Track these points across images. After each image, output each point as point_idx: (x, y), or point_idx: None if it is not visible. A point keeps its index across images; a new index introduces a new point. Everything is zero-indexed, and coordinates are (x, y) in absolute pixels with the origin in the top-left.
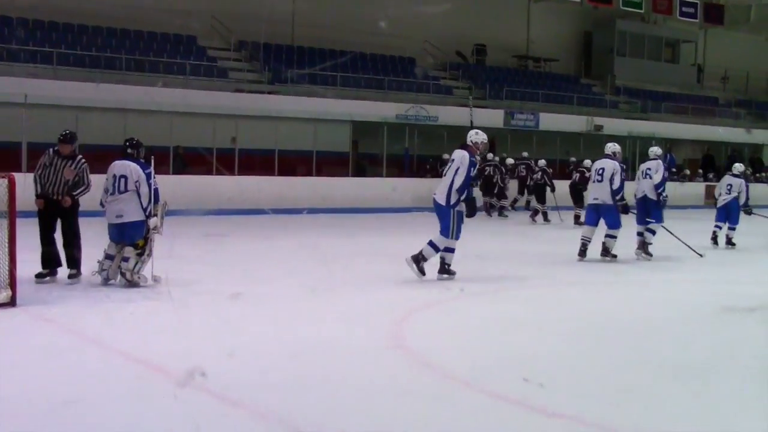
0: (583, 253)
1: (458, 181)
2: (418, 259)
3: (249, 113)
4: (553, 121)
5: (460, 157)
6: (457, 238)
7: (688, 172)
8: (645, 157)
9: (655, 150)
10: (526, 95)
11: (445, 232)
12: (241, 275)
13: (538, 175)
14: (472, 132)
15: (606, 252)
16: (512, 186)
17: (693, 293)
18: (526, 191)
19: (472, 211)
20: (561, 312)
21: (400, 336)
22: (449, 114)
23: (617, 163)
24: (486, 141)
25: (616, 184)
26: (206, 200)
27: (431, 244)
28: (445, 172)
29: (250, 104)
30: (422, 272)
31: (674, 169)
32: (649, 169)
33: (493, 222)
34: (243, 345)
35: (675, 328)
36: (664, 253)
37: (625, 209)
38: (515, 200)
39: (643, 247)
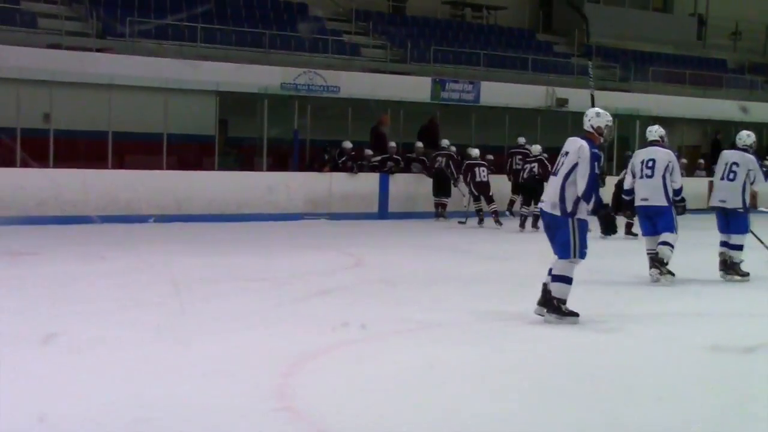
0: (659, 265)
1: (580, 185)
2: (555, 305)
3: (69, 79)
4: (499, 93)
5: (577, 148)
6: (581, 256)
7: (684, 161)
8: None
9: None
10: (463, 57)
11: (563, 250)
12: (59, 310)
13: (535, 168)
14: (590, 112)
15: (659, 265)
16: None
17: (684, 333)
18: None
19: (608, 228)
20: (516, 358)
21: (287, 394)
22: (356, 83)
23: (671, 152)
24: (611, 123)
25: (678, 181)
26: (7, 204)
27: (557, 277)
28: (555, 169)
29: (70, 66)
30: (571, 313)
31: None
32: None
33: (458, 229)
34: (60, 411)
35: (661, 380)
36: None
37: (684, 210)
38: (511, 202)
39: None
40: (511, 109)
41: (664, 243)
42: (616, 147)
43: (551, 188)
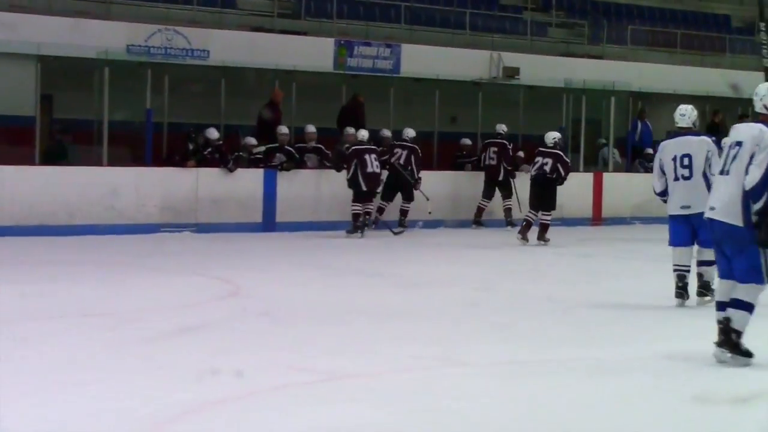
0: (683, 291)
1: (753, 176)
2: (732, 340)
3: None
4: (426, 59)
5: (753, 136)
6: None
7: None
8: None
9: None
10: (377, 11)
11: (752, 273)
12: None
13: (547, 164)
14: (762, 89)
15: (705, 288)
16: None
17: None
18: (501, 188)
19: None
20: (453, 421)
21: None
22: (231, 46)
23: (707, 138)
24: None
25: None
26: None
27: (738, 303)
28: (724, 167)
29: None
30: (749, 354)
31: (649, 150)
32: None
33: (372, 246)
34: None
35: None
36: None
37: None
38: (480, 210)
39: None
40: (443, 82)
41: (709, 262)
42: (583, 133)
43: (723, 191)
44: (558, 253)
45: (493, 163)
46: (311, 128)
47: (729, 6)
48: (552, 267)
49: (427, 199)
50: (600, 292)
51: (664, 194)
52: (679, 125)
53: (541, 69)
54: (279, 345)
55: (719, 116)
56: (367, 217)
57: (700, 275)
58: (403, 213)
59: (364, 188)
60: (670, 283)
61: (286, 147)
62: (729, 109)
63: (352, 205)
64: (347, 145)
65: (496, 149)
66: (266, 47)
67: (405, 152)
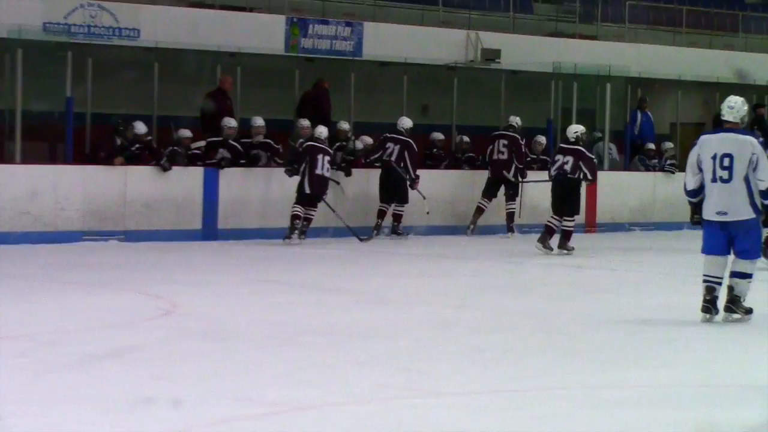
0: (711, 306)
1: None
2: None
3: None
4: (392, 40)
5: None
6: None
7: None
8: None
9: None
10: None
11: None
12: None
13: (567, 162)
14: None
15: (734, 306)
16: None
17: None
18: (507, 188)
19: None
20: None
21: None
22: (165, 24)
23: (752, 138)
24: None
25: (766, 179)
26: None
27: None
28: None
29: None
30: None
31: (651, 145)
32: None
33: (329, 258)
34: None
35: None
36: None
37: None
38: (479, 209)
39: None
40: (412, 66)
41: (742, 275)
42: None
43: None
44: (546, 264)
45: (503, 157)
46: (259, 121)
47: None
48: (539, 281)
49: (424, 198)
50: (593, 309)
51: (694, 194)
52: (725, 119)
53: (526, 51)
54: (221, 372)
55: (763, 110)
56: (305, 223)
57: (730, 288)
58: (396, 217)
59: (308, 191)
60: (676, 298)
61: (230, 142)
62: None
63: (293, 206)
64: (301, 140)
65: (506, 142)
66: (206, 25)
67: (398, 147)
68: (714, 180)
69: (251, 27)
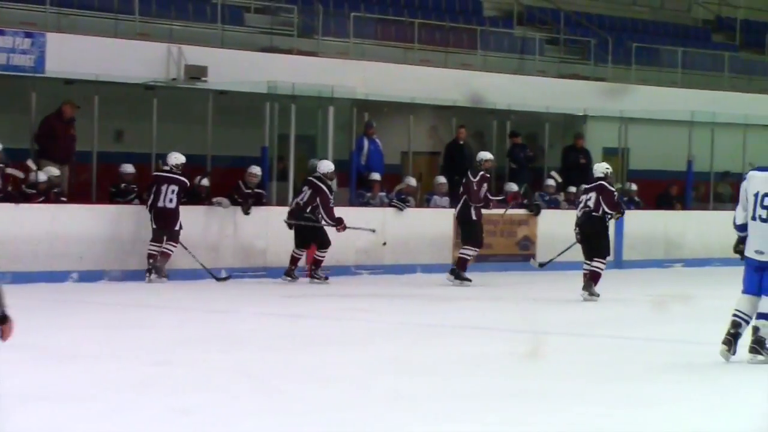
0: (732, 340)
1: None
2: (760, 345)
3: None
4: (80, 54)
5: None
6: None
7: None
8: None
9: None
10: None
11: None
12: None
13: (590, 198)
14: None
15: (758, 347)
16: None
17: None
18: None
19: None
20: None
21: None
22: None
23: None
24: None
25: None
26: None
27: (765, 315)
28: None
29: None
30: None
31: (376, 176)
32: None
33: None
34: None
35: None
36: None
37: None
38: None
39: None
40: (104, 84)
41: (766, 315)
42: (293, 154)
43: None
44: (259, 314)
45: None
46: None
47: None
48: (251, 332)
49: (372, 231)
50: (314, 364)
51: (741, 229)
52: None
53: (237, 69)
54: None
55: (518, 139)
56: (162, 259)
57: (756, 329)
58: (315, 262)
59: (153, 225)
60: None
61: None
62: (475, 122)
63: (149, 244)
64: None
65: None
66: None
67: (310, 191)
68: (754, 218)
69: None
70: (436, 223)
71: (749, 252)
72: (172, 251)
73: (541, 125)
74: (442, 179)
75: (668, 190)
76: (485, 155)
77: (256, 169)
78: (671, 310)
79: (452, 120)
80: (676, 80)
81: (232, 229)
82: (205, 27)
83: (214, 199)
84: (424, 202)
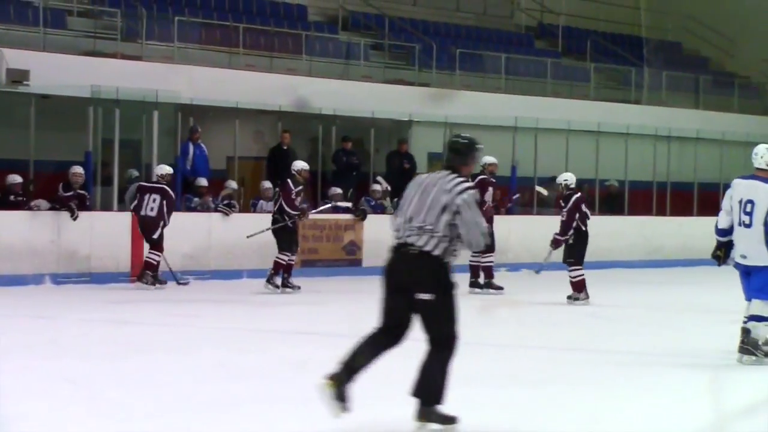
0: (751, 348)
1: None
2: (752, 346)
3: None
4: None
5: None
6: None
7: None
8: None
9: None
10: None
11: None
12: None
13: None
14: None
15: (751, 348)
16: None
17: None
18: None
19: None
20: None
21: None
22: None
23: None
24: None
25: None
26: None
27: (756, 317)
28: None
29: None
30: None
31: (203, 181)
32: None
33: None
34: None
35: None
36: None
37: None
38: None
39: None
40: None
41: (756, 317)
42: (117, 159)
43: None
44: (84, 320)
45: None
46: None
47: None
48: (77, 338)
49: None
50: (142, 371)
51: (722, 233)
52: (757, 166)
53: (60, 72)
54: None
55: (349, 144)
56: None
57: (747, 331)
58: (287, 268)
59: (141, 233)
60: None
61: None
62: (301, 127)
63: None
64: None
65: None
66: None
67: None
68: (739, 224)
69: None
70: (260, 228)
71: (736, 257)
72: (154, 260)
73: (367, 130)
74: (267, 184)
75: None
76: (488, 159)
77: (79, 169)
78: (498, 314)
79: (278, 125)
80: (500, 86)
81: (55, 235)
82: (27, 30)
83: (33, 203)
84: (250, 207)
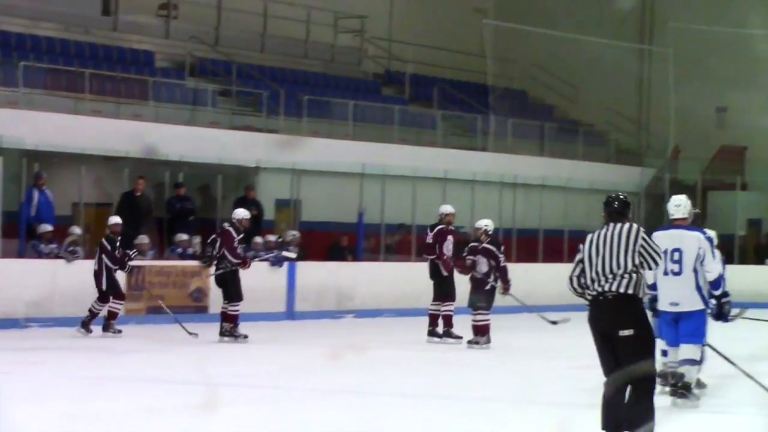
0: (685, 392)
1: (716, 270)
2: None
3: None
4: None
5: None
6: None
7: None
8: None
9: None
10: None
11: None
12: None
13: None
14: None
15: (682, 389)
16: None
17: None
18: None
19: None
20: None
21: None
22: None
23: (700, 234)
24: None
25: (713, 270)
26: None
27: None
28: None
29: None
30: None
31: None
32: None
33: None
34: None
35: None
36: None
37: (725, 315)
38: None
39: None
40: None
41: (689, 361)
42: None
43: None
44: None
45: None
46: None
47: (152, 41)
48: None
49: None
50: None
51: (654, 287)
52: (673, 217)
53: None
54: None
55: (182, 190)
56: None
57: (681, 375)
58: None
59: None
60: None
61: None
62: (148, 173)
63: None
64: None
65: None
66: None
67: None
68: (666, 273)
69: None
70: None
71: (663, 306)
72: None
73: (214, 177)
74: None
75: (339, 242)
76: (446, 209)
77: None
78: (345, 359)
79: (124, 171)
80: (348, 132)
81: None
82: None
83: None
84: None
